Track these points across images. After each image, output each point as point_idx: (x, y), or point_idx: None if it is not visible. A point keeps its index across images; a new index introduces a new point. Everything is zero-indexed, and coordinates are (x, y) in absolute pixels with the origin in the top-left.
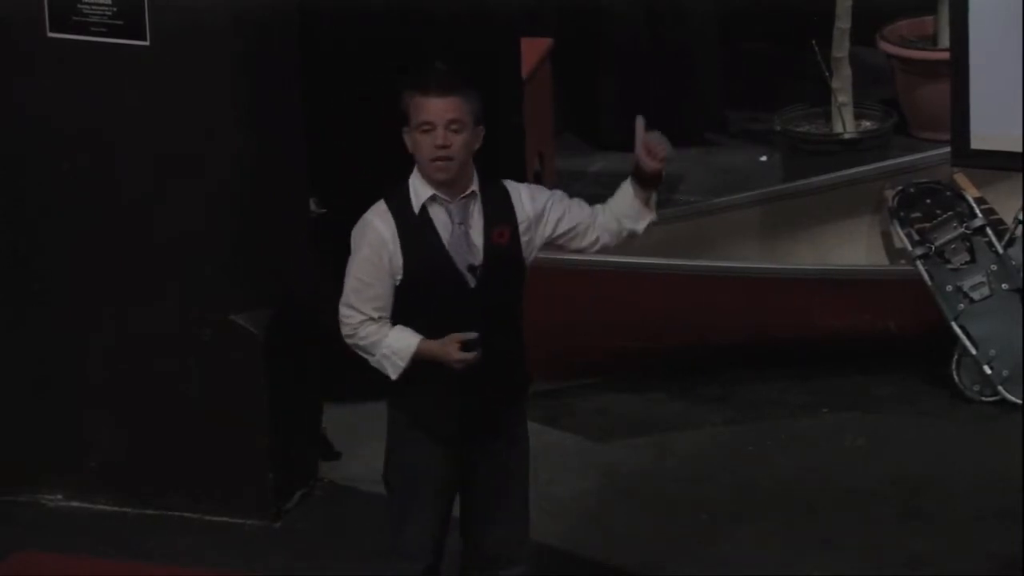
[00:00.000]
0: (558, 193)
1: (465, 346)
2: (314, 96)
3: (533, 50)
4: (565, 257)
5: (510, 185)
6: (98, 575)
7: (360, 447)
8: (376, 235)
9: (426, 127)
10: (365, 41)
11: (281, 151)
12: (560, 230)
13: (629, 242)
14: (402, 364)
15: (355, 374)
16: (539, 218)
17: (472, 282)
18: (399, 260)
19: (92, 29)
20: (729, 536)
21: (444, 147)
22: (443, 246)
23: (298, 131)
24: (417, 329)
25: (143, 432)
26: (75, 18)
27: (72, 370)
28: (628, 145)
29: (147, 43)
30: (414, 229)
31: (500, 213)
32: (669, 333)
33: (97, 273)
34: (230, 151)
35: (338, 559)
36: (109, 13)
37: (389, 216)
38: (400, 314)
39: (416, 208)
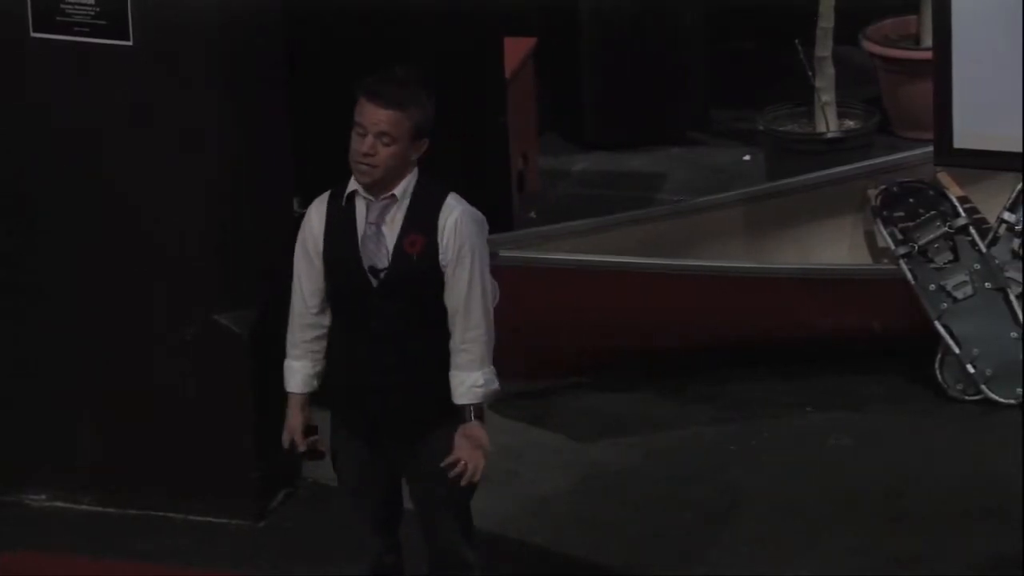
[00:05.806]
0: (466, 261)
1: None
2: (298, 95)
3: (516, 50)
4: (547, 256)
5: (451, 203)
6: (86, 575)
7: None
8: (308, 218)
9: (359, 129)
10: (349, 41)
11: (265, 151)
12: None
13: None
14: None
15: None
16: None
17: (374, 283)
18: (320, 245)
19: (75, 29)
20: (715, 536)
21: (368, 155)
22: (355, 242)
23: (282, 131)
24: (336, 323)
25: (127, 432)
26: (58, 18)
27: (56, 370)
28: (612, 145)
29: (130, 43)
30: (337, 219)
31: (419, 223)
32: (653, 333)
33: (80, 273)
34: (214, 151)
35: (322, 559)
36: (92, 13)
37: (325, 202)
38: (330, 303)
39: (343, 199)
